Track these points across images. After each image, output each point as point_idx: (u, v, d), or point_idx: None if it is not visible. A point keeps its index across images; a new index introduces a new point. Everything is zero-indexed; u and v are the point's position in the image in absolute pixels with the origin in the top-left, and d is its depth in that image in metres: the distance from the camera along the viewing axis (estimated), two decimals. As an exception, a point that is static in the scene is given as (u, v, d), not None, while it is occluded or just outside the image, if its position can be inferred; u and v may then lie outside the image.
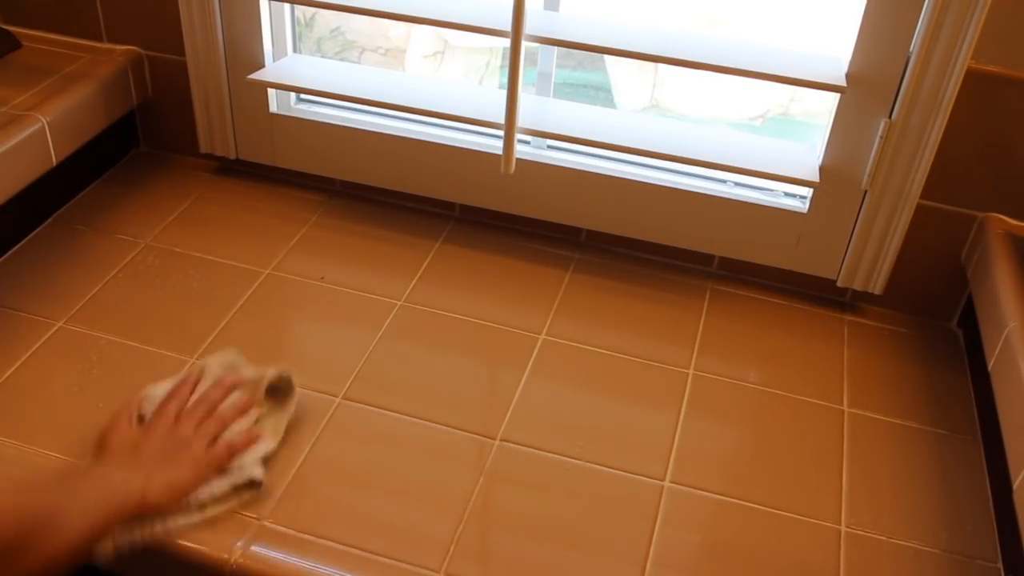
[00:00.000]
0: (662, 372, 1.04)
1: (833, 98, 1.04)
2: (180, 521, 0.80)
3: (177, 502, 0.79)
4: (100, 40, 1.27)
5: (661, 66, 1.66)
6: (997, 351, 0.91)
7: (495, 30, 1.04)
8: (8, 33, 1.26)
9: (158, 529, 0.79)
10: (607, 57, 1.66)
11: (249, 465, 0.84)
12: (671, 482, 0.91)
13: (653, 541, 0.85)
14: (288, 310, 1.10)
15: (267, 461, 0.87)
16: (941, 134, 1.00)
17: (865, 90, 1.01)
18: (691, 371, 1.04)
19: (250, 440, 0.86)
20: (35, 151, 1.08)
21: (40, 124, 1.08)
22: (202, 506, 0.81)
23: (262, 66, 1.20)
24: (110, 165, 1.31)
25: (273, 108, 1.24)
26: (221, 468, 0.83)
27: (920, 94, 0.98)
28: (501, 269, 1.18)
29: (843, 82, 1.00)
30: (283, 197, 1.28)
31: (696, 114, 1.72)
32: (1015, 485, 0.80)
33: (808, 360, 1.07)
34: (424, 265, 1.17)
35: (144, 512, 0.77)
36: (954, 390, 1.05)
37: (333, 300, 1.11)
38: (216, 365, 0.92)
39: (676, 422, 0.98)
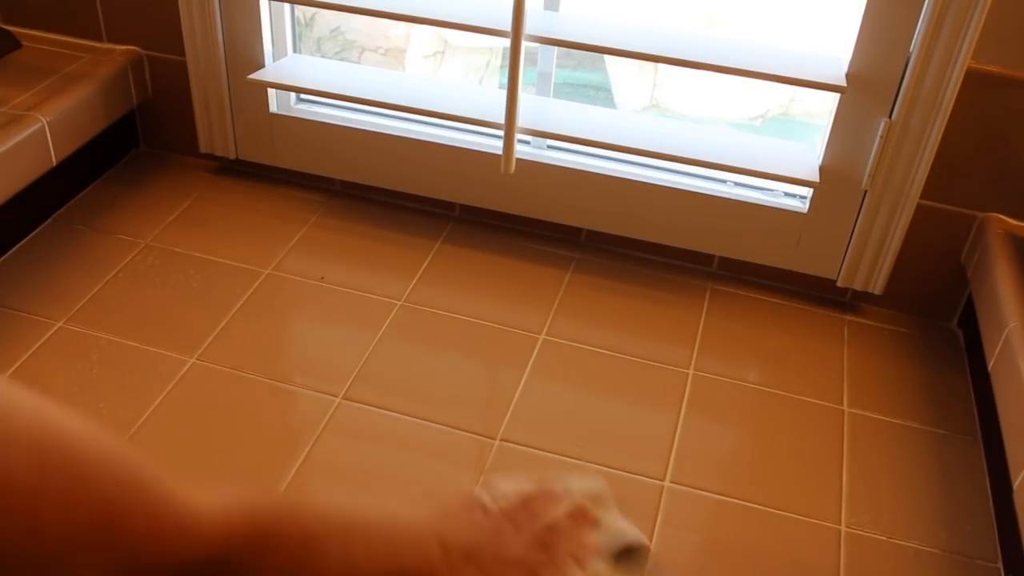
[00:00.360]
0: (662, 372, 1.04)
1: (833, 98, 1.04)
2: None
3: None
4: (100, 40, 1.27)
5: (661, 66, 1.66)
6: (997, 351, 0.91)
7: (495, 30, 1.04)
8: (8, 33, 1.26)
9: None
10: (607, 57, 1.66)
11: None
12: (671, 482, 0.91)
13: (653, 541, 0.85)
14: (288, 310, 1.10)
15: None
16: (941, 134, 1.00)
17: (865, 90, 1.01)
18: (691, 371, 1.04)
19: None
20: (35, 151, 1.08)
21: (40, 124, 1.08)
22: None
23: (262, 66, 1.20)
24: (110, 165, 1.31)
25: (273, 108, 1.24)
26: None
27: (920, 94, 0.98)
28: (501, 269, 1.18)
29: (843, 82, 1.00)
30: (283, 197, 1.28)
31: (696, 114, 1.72)
32: (1015, 485, 0.80)
33: (808, 360, 1.07)
34: (424, 265, 1.17)
35: None
36: (954, 390, 1.05)
37: (333, 300, 1.11)
38: (581, 489, 0.69)
39: (676, 422, 0.98)
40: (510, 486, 0.68)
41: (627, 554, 0.70)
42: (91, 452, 0.42)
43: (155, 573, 0.43)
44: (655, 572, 0.69)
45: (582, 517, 0.68)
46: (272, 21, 1.20)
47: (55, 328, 1.03)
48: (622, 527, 0.70)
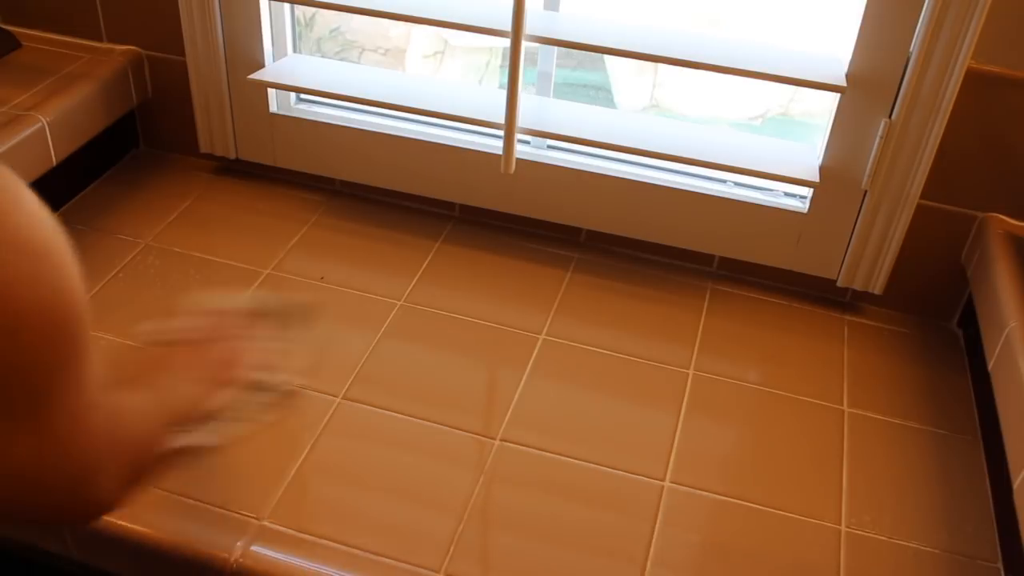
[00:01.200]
0: (662, 372, 1.04)
1: (833, 98, 1.04)
2: (220, 427, 0.75)
3: (215, 405, 0.75)
4: (100, 40, 1.27)
5: (661, 66, 1.66)
6: (997, 351, 0.91)
7: (495, 30, 1.04)
8: (8, 33, 1.26)
9: (203, 438, 0.74)
10: (607, 57, 1.66)
11: (272, 377, 0.80)
12: (671, 482, 0.91)
13: (653, 541, 0.85)
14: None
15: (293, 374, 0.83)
16: (941, 134, 1.00)
17: (865, 90, 1.01)
18: (691, 371, 1.04)
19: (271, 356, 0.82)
20: (35, 151, 1.08)
21: (40, 124, 1.08)
22: (239, 414, 0.77)
23: (262, 66, 1.20)
24: (110, 165, 1.31)
25: (273, 108, 1.24)
26: (243, 370, 0.79)
27: (920, 94, 0.98)
28: (501, 269, 1.18)
29: (843, 82, 1.00)
30: (283, 197, 1.28)
31: (696, 114, 1.72)
32: (1015, 485, 0.80)
33: (808, 360, 1.07)
34: (424, 265, 1.17)
35: (190, 419, 0.73)
36: (954, 390, 1.05)
37: (333, 300, 1.11)
38: (213, 301, 0.87)
39: (676, 422, 0.98)
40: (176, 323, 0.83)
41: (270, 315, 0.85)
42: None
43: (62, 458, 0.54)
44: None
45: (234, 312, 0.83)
46: (272, 21, 1.20)
47: (55, 328, 1.03)
48: (255, 299, 0.87)
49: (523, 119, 1.10)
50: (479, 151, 1.18)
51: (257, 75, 1.18)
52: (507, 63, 1.06)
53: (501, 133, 1.10)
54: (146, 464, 0.65)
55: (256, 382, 0.79)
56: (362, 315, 1.09)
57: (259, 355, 0.81)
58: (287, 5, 1.21)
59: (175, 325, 0.83)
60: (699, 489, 0.91)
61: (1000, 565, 0.86)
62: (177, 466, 0.71)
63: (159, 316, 0.83)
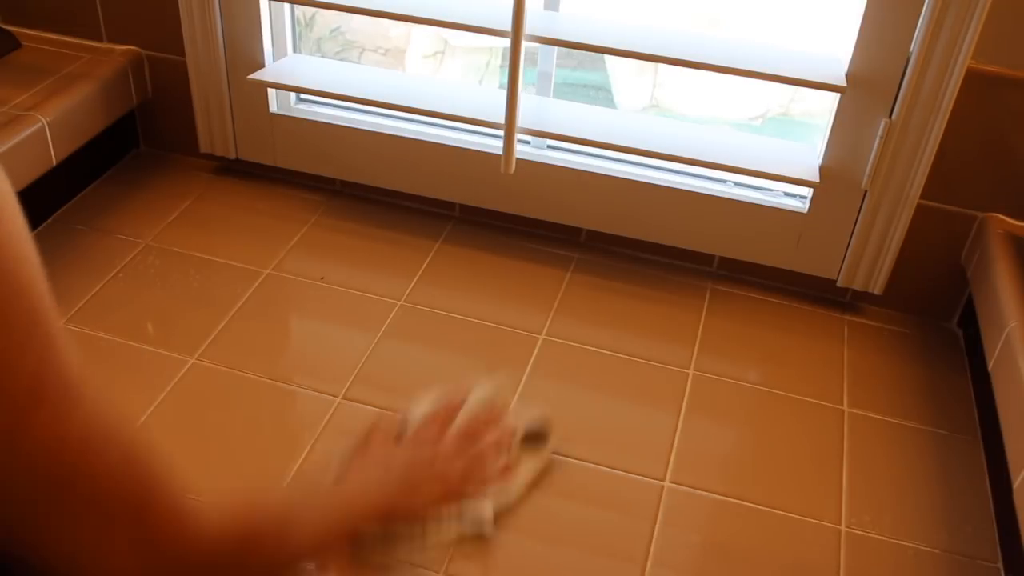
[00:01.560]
0: (662, 372, 1.04)
1: (833, 98, 1.04)
2: (402, 546, 0.70)
3: (412, 520, 0.71)
4: (100, 40, 1.27)
5: (661, 66, 1.66)
6: (997, 351, 0.91)
7: (495, 30, 1.04)
8: (8, 33, 1.26)
9: (380, 549, 0.69)
10: (607, 57, 1.65)
11: (484, 510, 0.77)
12: (671, 482, 0.91)
13: (653, 541, 0.85)
14: (288, 310, 1.10)
15: (499, 514, 0.80)
16: (941, 134, 1.00)
17: (865, 90, 1.01)
18: (691, 371, 1.04)
19: (504, 477, 0.77)
20: (35, 151, 1.08)
21: (40, 124, 1.08)
22: (426, 538, 0.72)
23: (262, 66, 1.20)
24: (110, 165, 1.31)
25: (273, 108, 1.24)
26: (466, 496, 0.75)
27: (920, 94, 0.98)
28: (501, 269, 1.18)
29: (843, 82, 1.00)
30: (283, 197, 1.28)
31: (696, 114, 1.72)
32: (1015, 485, 0.80)
33: (808, 360, 1.07)
34: (424, 265, 1.17)
35: (377, 522, 0.68)
36: (954, 390, 1.05)
37: (333, 300, 1.11)
38: (481, 393, 0.82)
39: (676, 422, 0.98)
40: (421, 408, 0.79)
41: (531, 436, 0.84)
42: (133, 437, 0.45)
43: (170, 565, 0.45)
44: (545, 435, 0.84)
45: (489, 416, 0.78)
46: (272, 21, 1.20)
47: (55, 328, 1.03)
48: (521, 412, 0.83)
49: (523, 119, 1.10)
50: (479, 151, 1.18)
51: (257, 75, 1.18)
52: (507, 63, 1.06)
53: (501, 133, 1.10)
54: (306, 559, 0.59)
55: (475, 505, 0.74)
56: (362, 315, 1.09)
57: (498, 475, 0.76)
58: (287, 5, 1.21)
59: (441, 411, 0.78)
60: (699, 489, 0.91)
61: (1000, 565, 0.86)
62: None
63: (439, 387, 0.79)
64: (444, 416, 0.78)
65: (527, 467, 0.84)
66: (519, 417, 0.82)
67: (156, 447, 0.48)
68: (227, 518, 0.51)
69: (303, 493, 0.67)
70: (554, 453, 0.87)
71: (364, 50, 1.73)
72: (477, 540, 0.78)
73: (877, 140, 1.02)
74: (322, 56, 1.55)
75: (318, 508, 0.62)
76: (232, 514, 0.52)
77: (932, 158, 1.01)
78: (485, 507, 0.76)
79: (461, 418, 0.78)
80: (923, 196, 1.05)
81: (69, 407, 0.41)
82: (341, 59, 1.71)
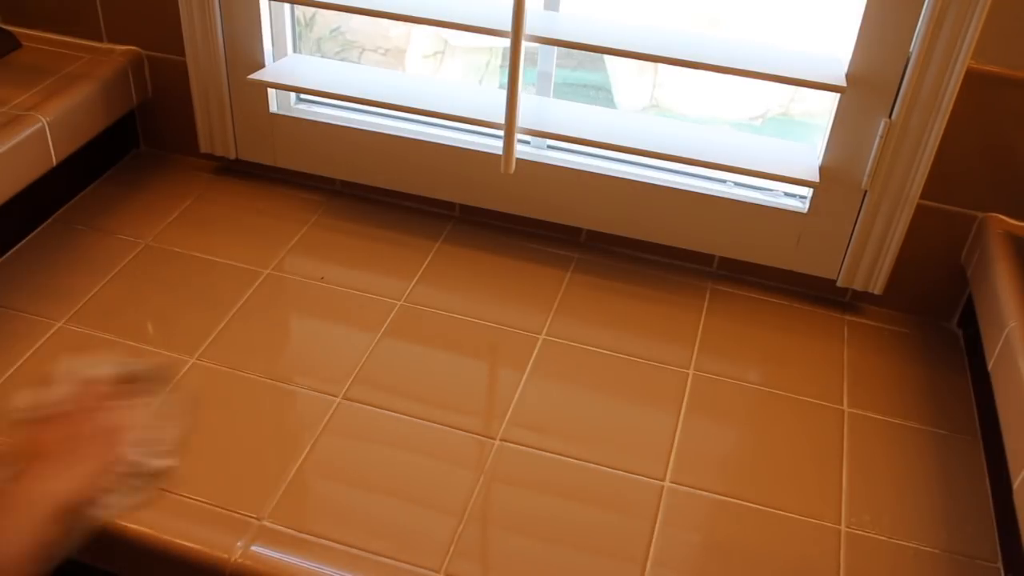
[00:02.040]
0: (662, 372, 1.04)
1: (833, 98, 1.04)
2: (113, 502, 0.72)
3: (96, 489, 0.71)
4: (100, 40, 1.27)
5: (661, 66, 1.66)
6: (997, 351, 0.91)
7: (495, 30, 1.04)
8: (8, 33, 1.26)
9: (97, 515, 0.71)
10: (607, 57, 1.65)
11: (155, 454, 0.75)
12: (671, 482, 0.91)
13: (653, 541, 0.85)
14: (288, 310, 1.10)
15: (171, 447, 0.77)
16: (941, 134, 1.00)
17: (865, 90, 1.01)
18: (691, 371, 1.04)
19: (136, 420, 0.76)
20: (35, 151, 1.08)
21: (40, 124, 1.08)
22: (122, 491, 0.73)
23: (262, 66, 1.20)
24: (110, 165, 1.31)
25: (273, 108, 1.24)
26: (126, 454, 0.74)
27: (920, 94, 0.98)
28: (501, 269, 1.18)
29: (843, 82, 1.00)
30: (283, 197, 1.28)
31: (696, 114, 1.72)
32: (1015, 485, 0.80)
33: (808, 360, 1.07)
34: (424, 265, 1.17)
35: (74, 508, 0.70)
36: (954, 390, 1.05)
37: (333, 300, 1.11)
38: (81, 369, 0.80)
39: (676, 422, 0.98)
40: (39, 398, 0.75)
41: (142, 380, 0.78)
42: None
43: None
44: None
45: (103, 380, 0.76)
46: (272, 21, 1.20)
47: (55, 328, 1.03)
48: (123, 365, 0.79)
49: (523, 119, 1.10)
50: (479, 151, 1.18)
51: (257, 75, 1.18)
52: (507, 63, 1.06)
53: (501, 133, 1.10)
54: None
55: (135, 460, 0.74)
56: (362, 315, 1.09)
57: (135, 429, 0.76)
58: (287, 5, 1.21)
59: (47, 398, 0.77)
60: (699, 489, 0.91)
61: (1000, 565, 0.86)
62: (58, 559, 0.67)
63: (32, 384, 0.77)
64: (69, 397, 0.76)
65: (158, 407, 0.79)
66: (125, 370, 0.79)
67: None
68: None
69: None
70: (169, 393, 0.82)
71: (364, 50, 1.73)
72: (161, 476, 0.74)
73: (877, 140, 1.02)
74: (322, 56, 1.55)
75: (12, 522, 0.62)
76: None
77: (932, 158, 1.01)
78: (150, 451, 0.74)
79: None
80: (923, 196, 1.05)
81: None
82: (341, 59, 1.71)
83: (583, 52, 1.37)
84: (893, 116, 1.01)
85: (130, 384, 0.80)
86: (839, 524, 0.88)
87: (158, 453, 0.76)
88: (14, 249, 1.15)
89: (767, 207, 1.12)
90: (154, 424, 0.77)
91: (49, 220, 1.20)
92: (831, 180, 1.07)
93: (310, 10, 1.48)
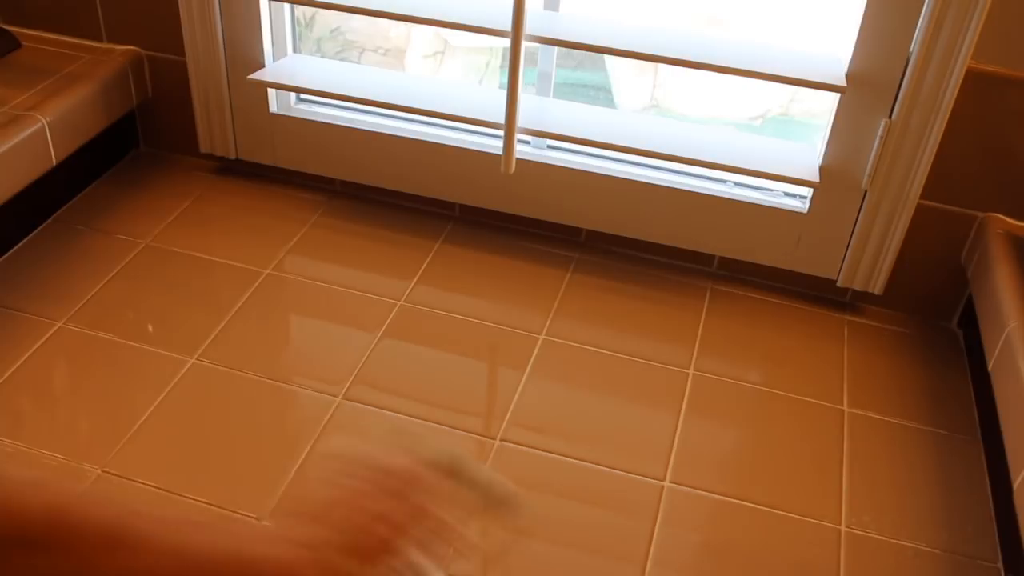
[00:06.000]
0: (662, 372, 1.04)
1: (833, 98, 1.04)
2: None
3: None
4: (100, 40, 1.27)
5: (661, 66, 1.66)
6: (997, 351, 0.91)
7: (495, 30, 1.04)
8: (8, 33, 1.26)
9: None
10: (607, 57, 1.65)
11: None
12: (671, 482, 0.91)
13: (653, 541, 0.85)
14: (288, 310, 1.10)
15: None
16: (941, 134, 1.00)
17: (865, 90, 1.01)
18: (691, 371, 1.04)
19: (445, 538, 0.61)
20: (35, 151, 1.08)
21: (40, 124, 1.08)
22: None
23: (262, 66, 1.20)
24: (110, 165, 1.31)
25: (273, 108, 1.24)
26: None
27: (920, 94, 0.98)
28: (501, 269, 1.18)
29: (843, 82, 1.00)
30: (283, 197, 1.28)
31: (696, 114, 1.72)
32: (1015, 485, 0.80)
33: (808, 360, 1.07)
34: (424, 265, 1.17)
35: None
36: (954, 390, 1.05)
37: (333, 300, 1.11)
38: (434, 456, 0.65)
39: (676, 422, 0.98)
40: (363, 452, 0.61)
41: (499, 506, 0.66)
42: None
43: None
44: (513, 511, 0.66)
45: (437, 476, 0.62)
46: (272, 21, 1.20)
47: (55, 328, 1.03)
48: (489, 480, 0.66)
49: (523, 119, 1.10)
50: (479, 151, 1.18)
51: (257, 75, 1.18)
52: (507, 63, 1.06)
53: (501, 133, 1.10)
54: None
55: (415, 563, 0.63)
56: (362, 315, 1.09)
57: (433, 535, 0.61)
58: (287, 5, 1.21)
59: (354, 465, 0.60)
60: (699, 489, 0.91)
61: (1000, 565, 0.86)
62: None
63: (348, 441, 0.66)
64: (383, 468, 0.62)
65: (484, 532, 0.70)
66: (486, 482, 0.67)
67: None
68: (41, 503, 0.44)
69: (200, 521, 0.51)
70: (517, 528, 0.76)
71: (364, 50, 1.73)
72: None
73: (877, 140, 1.02)
74: (322, 56, 1.55)
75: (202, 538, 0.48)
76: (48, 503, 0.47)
77: (932, 158, 1.01)
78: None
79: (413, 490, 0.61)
80: (923, 196, 1.05)
81: None
82: (341, 59, 1.70)
83: (583, 52, 1.37)
84: (893, 116, 1.01)
85: (453, 484, 0.63)
86: (839, 524, 0.88)
87: (441, 563, 0.59)
88: (14, 249, 1.15)
89: (767, 207, 1.12)
90: (452, 528, 0.62)
91: (49, 220, 1.20)
92: (831, 180, 1.07)
93: (310, 10, 1.48)
